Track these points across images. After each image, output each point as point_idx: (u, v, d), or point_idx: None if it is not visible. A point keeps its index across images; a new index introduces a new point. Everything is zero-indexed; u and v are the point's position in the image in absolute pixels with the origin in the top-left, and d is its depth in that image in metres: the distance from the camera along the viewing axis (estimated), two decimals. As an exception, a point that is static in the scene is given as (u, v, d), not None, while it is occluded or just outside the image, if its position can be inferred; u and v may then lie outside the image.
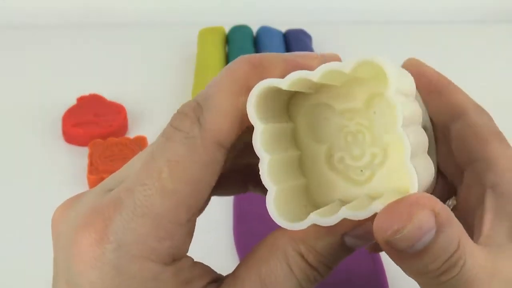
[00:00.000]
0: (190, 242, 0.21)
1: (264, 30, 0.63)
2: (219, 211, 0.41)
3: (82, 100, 0.52)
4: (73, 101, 0.51)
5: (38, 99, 0.55)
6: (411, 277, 0.21)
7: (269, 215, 0.38)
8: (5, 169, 0.46)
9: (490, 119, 0.25)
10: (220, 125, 0.20)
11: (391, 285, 0.35)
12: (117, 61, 0.63)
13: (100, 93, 0.53)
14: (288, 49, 0.61)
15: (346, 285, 0.34)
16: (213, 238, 0.39)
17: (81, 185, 0.43)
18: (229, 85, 0.22)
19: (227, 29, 0.64)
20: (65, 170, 0.46)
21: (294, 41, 0.62)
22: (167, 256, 0.20)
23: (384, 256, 0.37)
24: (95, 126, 0.48)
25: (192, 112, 0.21)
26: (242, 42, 0.61)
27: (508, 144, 0.24)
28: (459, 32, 0.73)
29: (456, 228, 0.19)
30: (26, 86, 0.58)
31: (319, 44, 0.63)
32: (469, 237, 0.20)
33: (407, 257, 0.19)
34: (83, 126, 0.48)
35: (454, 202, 0.25)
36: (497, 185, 0.23)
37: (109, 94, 0.53)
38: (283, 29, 0.65)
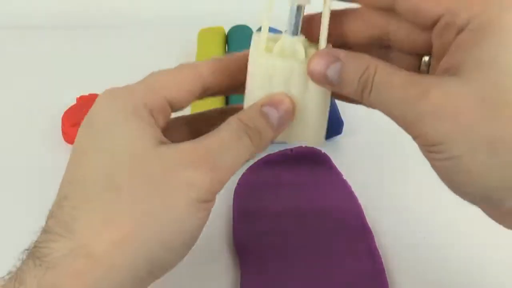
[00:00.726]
0: None
1: (264, 30, 0.63)
2: (219, 211, 0.41)
3: (82, 100, 0.52)
4: (73, 101, 0.51)
5: (38, 99, 0.55)
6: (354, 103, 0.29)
7: (268, 214, 0.38)
8: (5, 169, 0.46)
9: None
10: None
11: (391, 285, 0.35)
12: (117, 61, 0.63)
13: (100, 93, 0.52)
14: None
15: (346, 285, 0.34)
16: (213, 238, 0.39)
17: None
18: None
19: (227, 29, 0.64)
20: (65, 170, 0.45)
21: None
22: None
23: (384, 256, 0.37)
24: (95, 126, 0.48)
25: None
26: (242, 42, 0.61)
27: None
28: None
29: (360, 60, 0.27)
30: (26, 86, 0.58)
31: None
32: (385, 66, 0.27)
33: (336, 87, 0.28)
34: (83, 126, 0.48)
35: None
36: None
37: (109, 94, 0.52)
38: (283, 29, 0.64)
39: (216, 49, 0.60)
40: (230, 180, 0.39)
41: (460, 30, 0.27)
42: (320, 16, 0.29)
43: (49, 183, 0.45)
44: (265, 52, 0.29)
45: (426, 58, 0.30)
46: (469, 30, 0.26)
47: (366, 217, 0.39)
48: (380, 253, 0.36)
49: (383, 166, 0.45)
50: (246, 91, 0.30)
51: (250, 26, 0.64)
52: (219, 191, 0.27)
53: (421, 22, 0.28)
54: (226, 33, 0.64)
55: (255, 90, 0.29)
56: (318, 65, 0.28)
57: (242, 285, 0.34)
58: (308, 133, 0.31)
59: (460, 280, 0.36)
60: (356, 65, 0.27)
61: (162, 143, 0.27)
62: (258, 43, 0.30)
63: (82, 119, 0.48)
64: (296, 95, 0.29)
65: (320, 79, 0.28)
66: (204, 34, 0.63)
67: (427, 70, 0.30)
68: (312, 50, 0.29)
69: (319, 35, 0.29)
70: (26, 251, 0.26)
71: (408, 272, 0.36)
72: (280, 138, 0.31)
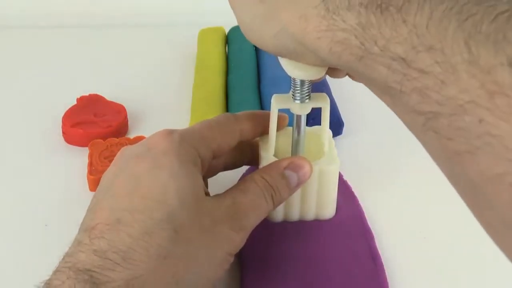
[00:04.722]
0: None
1: (264, 30, 0.63)
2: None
3: (82, 100, 0.52)
4: (73, 101, 0.51)
5: (38, 99, 0.55)
6: None
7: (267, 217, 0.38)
8: (5, 169, 0.46)
9: None
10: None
11: (391, 285, 0.35)
12: (117, 61, 0.63)
13: (100, 93, 0.53)
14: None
15: (347, 285, 0.34)
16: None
17: (81, 185, 0.43)
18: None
19: (227, 29, 0.64)
20: (65, 170, 0.46)
21: (294, 41, 0.62)
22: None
23: (384, 256, 0.37)
24: (95, 126, 0.48)
25: None
26: (242, 42, 0.61)
27: None
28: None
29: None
30: (26, 86, 0.58)
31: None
32: None
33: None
34: (83, 126, 0.48)
35: None
36: None
37: (109, 94, 0.52)
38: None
39: (216, 49, 0.60)
40: (230, 180, 0.39)
41: None
42: None
43: (49, 183, 0.45)
44: (275, 157, 0.35)
45: None
46: None
47: (367, 217, 0.39)
48: (380, 253, 0.36)
49: (383, 167, 0.45)
50: None
51: (250, 26, 0.64)
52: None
53: None
54: (226, 33, 0.64)
55: None
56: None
57: (242, 285, 0.34)
58: (324, 211, 0.37)
59: (460, 280, 0.36)
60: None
61: (206, 194, 0.30)
62: (266, 144, 0.35)
63: (82, 119, 0.49)
64: (310, 188, 0.35)
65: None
66: (204, 34, 0.63)
67: None
68: (317, 146, 0.36)
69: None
70: (72, 269, 0.26)
71: (408, 272, 0.36)
72: (297, 217, 0.37)
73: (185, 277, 0.27)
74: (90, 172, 0.43)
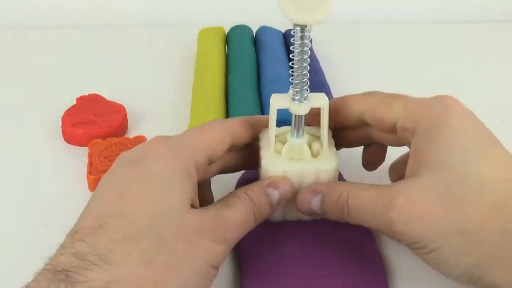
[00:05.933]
0: None
1: (264, 30, 0.63)
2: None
3: (81, 100, 0.52)
4: (73, 101, 0.51)
5: (38, 99, 0.55)
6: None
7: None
8: (4, 169, 0.46)
9: (379, 93, 0.36)
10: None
11: (391, 285, 0.35)
12: (117, 61, 0.63)
13: (100, 93, 0.53)
14: (288, 49, 0.61)
15: (346, 285, 0.34)
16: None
17: (81, 185, 0.43)
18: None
19: (227, 29, 0.64)
20: (64, 170, 0.46)
21: (294, 41, 0.62)
22: None
23: (384, 256, 0.37)
24: (95, 126, 0.48)
25: None
26: (242, 42, 0.61)
27: (405, 97, 0.34)
28: (458, 32, 0.73)
29: (334, 190, 0.33)
30: (26, 86, 0.58)
31: (319, 44, 0.63)
32: (354, 187, 0.32)
33: (321, 215, 0.34)
34: (83, 126, 0.48)
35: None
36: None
37: (109, 94, 0.53)
38: (283, 29, 0.65)
39: (216, 49, 0.60)
40: (230, 179, 0.39)
41: (413, 133, 0.32)
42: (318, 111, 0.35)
43: (48, 183, 0.45)
44: (275, 155, 0.35)
45: None
46: (419, 134, 0.32)
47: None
48: (380, 253, 0.36)
49: (383, 167, 0.45)
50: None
51: (250, 26, 0.64)
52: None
53: (385, 128, 0.35)
54: (226, 33, 0.64)
55: None
56: (304, 200, 0.34)
57: (242, 285, 0.34)
58: None
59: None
60: (332, 194, 0.33)
61: (194, 205, 0.31)
62: (266, 143, 0.36)
63: (82, 119, 0.49)
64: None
65: (308, 212, 0.34)
66: (204, 34, 0.63)
67: None
68: (316, 145, 0.36)
69: (319, 120, 0.35)
70: (49, 270, 0.26)
71: (408, 272, 0.36)
72: (295, 217, 0.37)
73: (168, 286, 0.27)
74: (90, 172, 0.43)
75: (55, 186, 0.44)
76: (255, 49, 0.61)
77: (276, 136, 0.36)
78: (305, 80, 0.33)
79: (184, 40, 0.66)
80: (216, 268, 0.30)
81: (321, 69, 0.57)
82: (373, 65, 0.63)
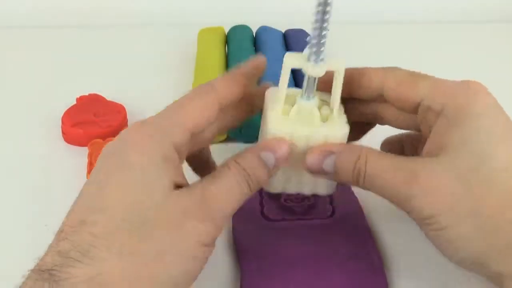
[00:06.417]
0: None
1: (264, 30, 0.63)
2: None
3: (81, 100, 0.52)
4: (72, 101, 0.51)
5: (38, 99, 0.55)
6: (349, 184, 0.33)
7: (267, 216, 0.38)
8: (4, 169, 0.46)
9: (403, 70, 0.34)
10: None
11: (391, 285, 0.35)
12: (117, 61, 0.63)
13: (100, 93, 0.53)
14: (288, 49, 0.61)
15: (346, 284, 0.34)
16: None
17: (81, 185, 0.43)
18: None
19: (227, 29, 0.64)
20: (64, 170, 0.46)
21: (294, 41, 0.62)
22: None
23: (384, 256, 0.37)
24: (95, 126, 0.48)
25: None
26: (242, 42, 0.61)
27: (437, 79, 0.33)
28: (458, 32, 0.73)
29: (351, 151, 0.31)
30: (26, 86, 0.58)
31: (319, 44, 0.63)
32: (374, 153, 0.31)
33: (332, 177, 0.32)
34: (83, 126, 0.48)
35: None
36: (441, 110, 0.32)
37: (109, 94, 0.53)
38: (283, 29, 0.65)
39: (216, 49, 0.60)
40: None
41: (438, 115, 0.32)
42: (331, 75, 0.32)
43: (49, 183, 0.45)
44: (282, 116, 0.33)
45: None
46: (444, 115, 0.31)
47: (366, 216, 0.39)
48: (380, 253, 0.36)
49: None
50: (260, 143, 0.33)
51: (250, 26, 0.64)
52: (219, 235, 0.30)
53: (406, 107, 0.34)
54: (226, 33, 0.64)
55: None
56: (315, 160, 0.32)
57: (242, 285, 0.34)
58: (322, 185, 0.34)
59: (460, 279, 0.36)
60: (349, 156, 0.31)
61: (176, 187, 0.29)
62: (273, 103, 0.33)
63: (82, 119, 0.49)
64: None
65: (318, 172, 0.32)
66: (204, 34, 0.63)
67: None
68: (326, 111, 0.33)
69: (331, 88, 0.33)
70: (34, 271, 0.26)
71: (408, 272, 0.36)
72: (295, 190, 0.35)
73: (158, 274, 0.27)
74: (90, 172, 0.43)
75: (55, 186, 0.44)
76: (255, 49, 0.61)
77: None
78: (324, 41, 0.31)
79: (184, 40, 0.66)
80: (208, 245, 0.29)
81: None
82: (373, 65, 0.63)
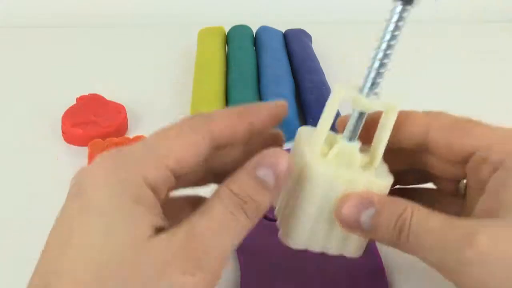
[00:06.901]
0: None
1: (264, 30, 0.63)
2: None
3: (81, 100, 0.52)
4: (72, 101, 0.51)
5: (38, 99, 0.55)
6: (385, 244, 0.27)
7: (267, 216, 0.38)
8: (4, 169, 0.46)
9: (451, 116, 0.29)
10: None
11: (391, 285, 0.35)
12: (117, 61, 0.63)
13: (100, 93, 0.53)
14: (288, 49, 0.61)
15: (347, 284, 0.34)
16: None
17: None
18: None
19: (227, 29, 0.64)
20: (64, 170, 0.45)
21: (294, 41, 0.62)
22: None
23: (384, 256, 0.37)
24: (95, 126, 0.48)
25: None
26: (242, 42, 0.61)
27: (490, 126, 0.29)
28: (458, 32, 0.73)
29: (396, 203, 0.26)
30: (26, 86, 0.58)
31: (319, 44, 0.63)
32: (422, 209, 0.26)
33: (367, 233, 0.27)
34: (83, 126, 0.48)
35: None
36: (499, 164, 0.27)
37: (109, 94, 0.53)
38: (283, 29, 0.65)
39: (216, 49, 0.60)
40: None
41: (496, 168, 0.27)
42: (374, 119, 0.28)
43: (48, 183, 0.45)
44: (321, 157, 0.28)
45: (464, 181, 0.30)
46: (505, 168, 0.27)
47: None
48: (380, 252, 0.36)
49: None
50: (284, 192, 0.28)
51: (250, 26, 0.64)
52: (217, 282, 0.24)
53: (453, 157, 0.29)
54: (226, 33, 0.64)
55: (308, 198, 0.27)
56: (352, 210, 0.26)
57: (242, 285, 0.34)
58: (353, 244, 0.29)
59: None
60: (392, 209, 0.26)
61: (157, 230, 0.24)
62: (310, 143, 0.28)
63: (82, 119, 0.49)
64: None
65: (352, 225, 0.27)
66: (204, 34, 0.63)
67: (464, 193, 0.30)
68: (365, 159, 0.28)
69: (371, 137, 0.28)
70: None
71: (408, 272, 0.36)
72: (320, 248, 0.30)
73: None
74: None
75: (55, 186, 0.44)
76: (255, 49, 0.61)
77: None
78: (384, 71, 0.27)
79: (184, 40, 0.66)
80: None
81: (321, 69, 0.57)
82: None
